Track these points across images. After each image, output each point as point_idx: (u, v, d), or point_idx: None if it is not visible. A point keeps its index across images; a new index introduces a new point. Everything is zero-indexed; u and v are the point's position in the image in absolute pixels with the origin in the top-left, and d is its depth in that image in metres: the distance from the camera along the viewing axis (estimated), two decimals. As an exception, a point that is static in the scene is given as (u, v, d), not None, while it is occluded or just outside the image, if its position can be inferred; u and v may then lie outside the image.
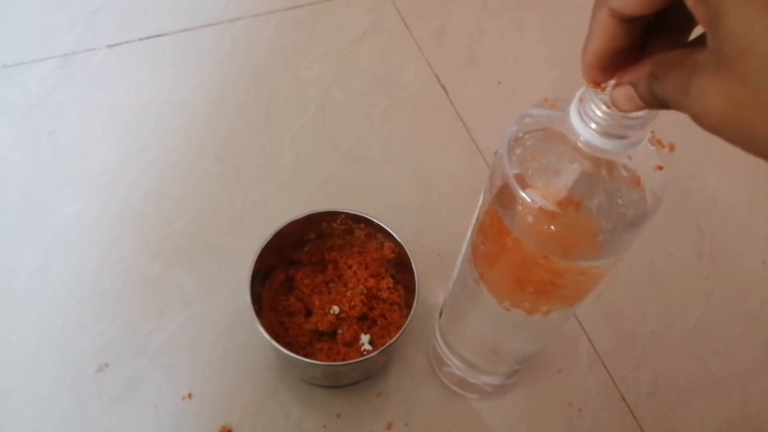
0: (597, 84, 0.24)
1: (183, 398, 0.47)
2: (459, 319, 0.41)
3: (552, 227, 0.27)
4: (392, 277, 0.49)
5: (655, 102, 0.22)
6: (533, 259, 0.29)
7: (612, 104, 0.23)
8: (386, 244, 0.48)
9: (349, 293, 0.48)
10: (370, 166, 0.60)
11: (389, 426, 0.47)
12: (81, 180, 0.57)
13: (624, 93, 0.23)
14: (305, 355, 0.45)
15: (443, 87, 0.66)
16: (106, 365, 0.48)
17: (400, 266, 0.47)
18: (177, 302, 0.51)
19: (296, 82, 0.65)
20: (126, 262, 0.53)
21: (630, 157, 0.27)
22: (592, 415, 0.49)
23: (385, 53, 0.68)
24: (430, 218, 0.57)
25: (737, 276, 0.57)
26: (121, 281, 0.52)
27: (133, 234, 0.55)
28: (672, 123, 0.65)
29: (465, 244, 0.36)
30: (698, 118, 0.20)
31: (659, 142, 0.28)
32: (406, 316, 0.43)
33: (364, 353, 0.46)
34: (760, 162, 0.69)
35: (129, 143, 0.60)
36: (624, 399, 0.50)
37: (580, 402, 0.49)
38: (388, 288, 0.48)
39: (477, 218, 0.33)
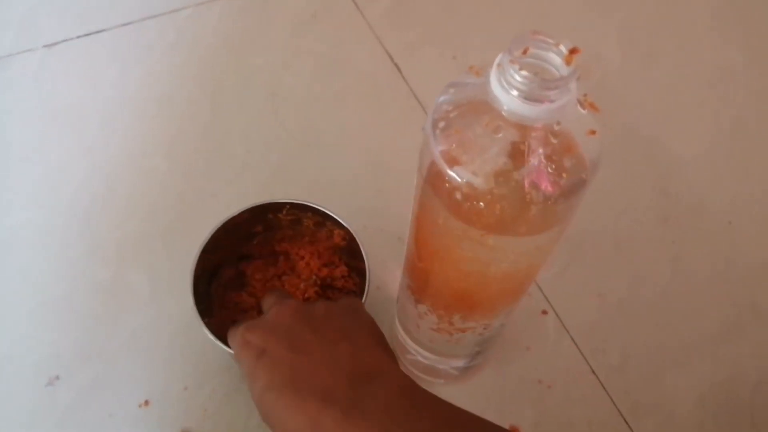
0: None
1: (140, 405, 0.46)
2: (409, 307, 0.40)
3: (481, 204, 0.26)
4: (346, 264, 0.47)
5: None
6: (468, 239, 0.28)
7: None
8: (336, 231, 0.46)
9: (302, 285, 0.46)
10: (326, 151, 0.58)
11: (355, 418, 0.46)
12: (24, 187, 0.55)
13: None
14: None
15: (396, 66, 0.64)
16: (57, 377, 0.46)
17: (354, 253, 0.46)
18: (130, 306, 0.50)
19: (245, 71, 0.63)
20: (76, 267, 0.51)
21: (559, 123, 0.25)
22: (563, 391, 0.48)
23: (336, 35, 0.66)
24: (388, 201, 0.56)
25: (704, 239, 0.56)
26: (71, 288, 0.50)
27: (83, 238, 0.53)
28: (633, 87, 0.64)
29: (409, 230, 0.35)
30: None
31: (592, 105, 0.27)
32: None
33: None
34: (722, 124, 0.68)
35: (74, 145, 0.57)
36: (594, 372, 0.49)
37: (550, 378, 0.48)
38: (343, 276, 0.47)
39: (414, 201, 0.32)
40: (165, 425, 0.45)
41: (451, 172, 0.26)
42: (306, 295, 0.46)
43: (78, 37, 0.64)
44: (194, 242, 0.52)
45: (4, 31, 0.64)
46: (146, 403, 0.46)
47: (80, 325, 0.49)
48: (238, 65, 0.63)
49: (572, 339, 0.50)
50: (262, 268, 0.48)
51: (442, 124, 0.26)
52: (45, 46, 0.63)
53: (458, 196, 0.26)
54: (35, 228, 0.53)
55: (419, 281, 0.36)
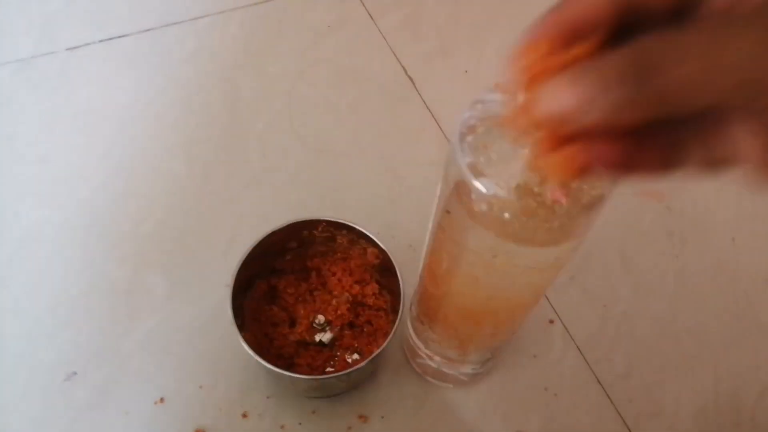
0: (526, 61, 0.19)
1: (155, 403, 0.47)
2: (425, 313, 0.41)
3: (506, 214, 0.27)
4: (377, 282, 0.48)
5: (639, 108, 0.16)
6: (490, 248, 0.29)
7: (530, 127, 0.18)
8: (369, 250, 0.47)
9: (334, 301, 0.48)
10: (339, 159, 0.60)
11: (366, 420, 0.47)
12: (43, 187, 0.56)
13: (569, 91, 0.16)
14: (291, 366, 0.45)
15: (410, 78, 0.66)
16: (75, 373, 0.47)
17: (385, 271, 0.47)
18: (146, 306, 0.51)
19: (262, 79, 0.65)
20: (93, 267, 0.52)
21: (581, 140, 0.27)
22: (568, 398, 0.49)
23: (351, 45, 0.68)
24: (400, 209, 0.57)
25: (708, 254, 0.57)
26: (88, 287, 0.51)
27: (100, 239, 0.54)
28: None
29: (427, 237, 0.36)
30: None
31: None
32: (393, 322, 0.42)
33: (352, 363, 0.46)
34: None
35: (92, 147, 0.59)
36: (599, 381, 0.50)
37: (556, 386, 0.50)
38: (374, 294, 0.48)
39: (435, 212, 0.33)
40: (180, 423, 0.46)
41: (477, 184, 0.27)
42: (338, 312, 0.47)
43: (100, 41, 0.65)
44: (208, 244, 0.54)
45: (27, 34, 0.65)
46: (161, 400, 0.47)
47: (97, 322, 0.50)
48: (256, 73, 0.65)
49: (578, 348, 0.51)
50: (294, 283, 0.49)
51: (469, 138, 0.28)
52: (67, 49, 0.64)
53: (483, 207, 0.27)
54: (54, 227, 0.54)
55: (432, 301, 0.37)
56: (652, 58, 0.15)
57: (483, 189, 0.27)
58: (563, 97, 0.16)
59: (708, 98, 0.15)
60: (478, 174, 0.27)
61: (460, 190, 0.29)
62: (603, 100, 0.15)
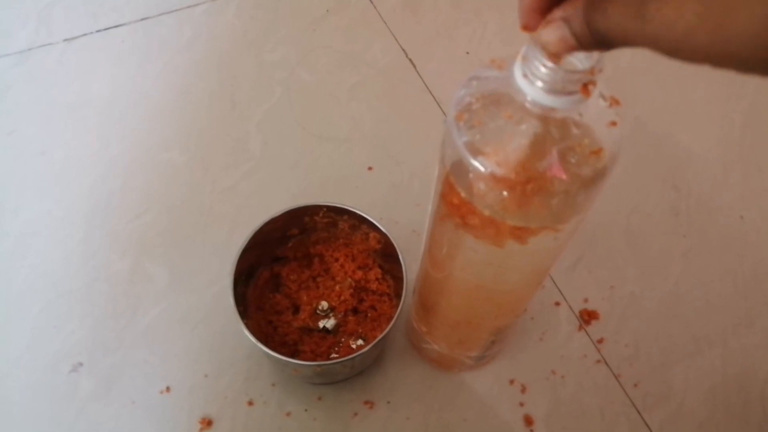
0: (533, 29, 0.23)
1: (161, 392, 0.47)
2: (428, 297, 0.41)
3: (504, 193, 0.26)
4: (380, 267, 0.48)
5: (592, 39, 0.20)
6: (489, 228, 0.28)
7: (540, 46, 0.22)
8: (371, 234, 0.47)
9: (337, 287, 0.47)
10: (340, 145, 0.59)
11: (371, 405, 0.47)
12: (44, 180, 0.56)
13: (554, 32, 0.21)
14: (295, 353, 0.45)
15: (411, 61, 0.65)
16: (81, 364, 0.47)
17: (388, 256, 0.46)
18: (149, 296, 0.51)
19: (261, 66, 0.64)
20: (95, 259, 0.52)
21: (581, 114, 0.26)
22: (575, 381, 0.49)
23: (350, 30, 0.67)
24: (402, 194, 0.56)
25: (715, 232, 0.56)
26: (90, 279, 0.51)
27: (101, 230, 0.54)
28: (644, 81, 0.64)
29: (427, 221, 0.35)
30: (658, 40, 0.19)
31: (613, 98, 0.27)
32: (396, 306, 0.42)
33: (356, 349, 0.46)
34: (733, 117, 0.68)
35: (91, 138, 0.58)
36: (606, 363, 0.49)
37: (563, 369, 0.49)
38: (377, 279, 0.47)
39: (434, 194, 0.32)
40: (186, 412, 0.46)
41: (474, 163, 0.26)
42: (342, 298, 0.47)
43: (96, 31, 0.65)
44: (210, 234, 0.54)
45: (25, 25, 0.65)
46: (167, 389, 0.47)
47: (101, 314, 0.50)
48: (254, 60, 0.64)
49: (584, 330, 0.51)
50: (297, 270, 0.48)
51: (465, 116, 0.27)
52: (64, 40, 0.64)
53: (481, 186, 0.27)
54: (55, 220, 0.54)
55: (434, 285, 0.37)
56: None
57: (481, 168, 0.26)
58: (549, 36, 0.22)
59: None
60: (475, 153, 0.27)
61: (457, 170, 0.28)
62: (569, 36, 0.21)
